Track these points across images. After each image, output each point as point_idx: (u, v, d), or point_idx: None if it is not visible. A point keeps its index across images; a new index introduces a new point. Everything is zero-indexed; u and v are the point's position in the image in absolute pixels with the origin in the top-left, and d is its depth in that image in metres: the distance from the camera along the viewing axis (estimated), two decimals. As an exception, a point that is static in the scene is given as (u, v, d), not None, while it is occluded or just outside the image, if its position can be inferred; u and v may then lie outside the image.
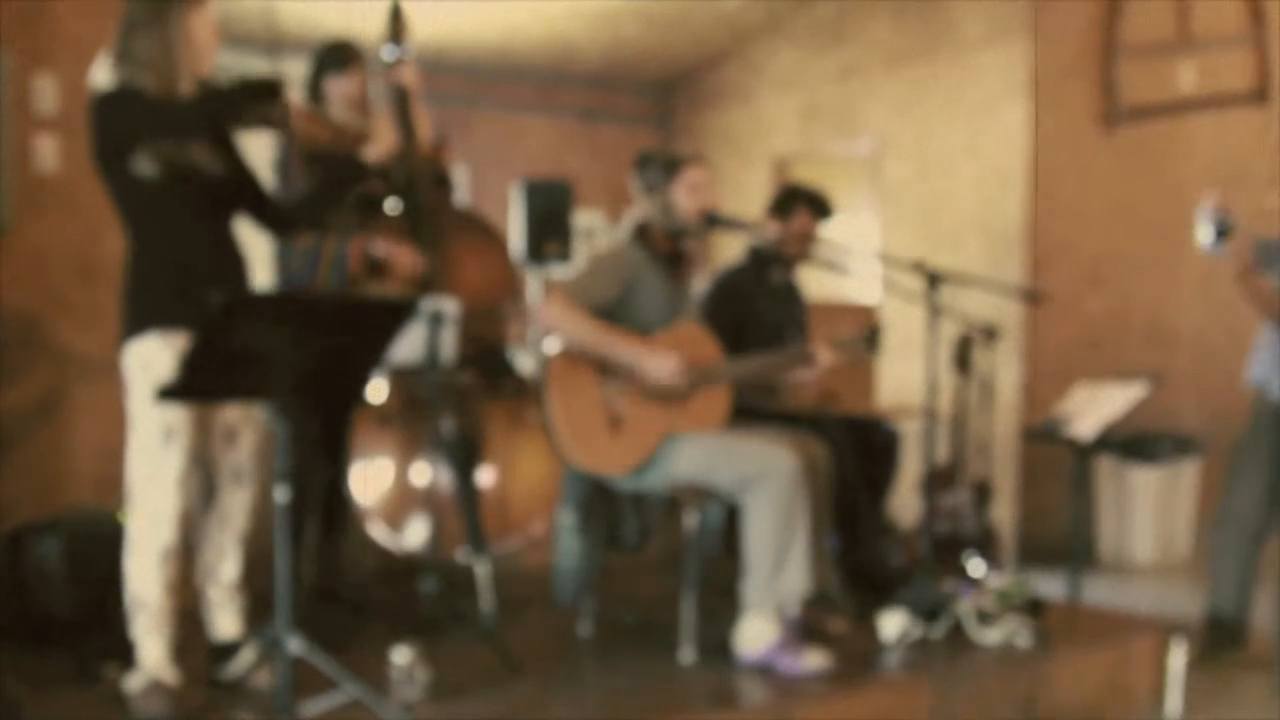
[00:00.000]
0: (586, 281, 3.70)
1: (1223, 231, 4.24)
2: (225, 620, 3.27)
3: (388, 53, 3.92)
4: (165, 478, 3.05)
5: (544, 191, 6.90)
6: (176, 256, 3.07)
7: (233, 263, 3.18)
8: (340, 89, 4.04)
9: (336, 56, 4.07)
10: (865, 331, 3.90)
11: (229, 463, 3.20)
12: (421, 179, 3.91)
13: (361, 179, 3.44)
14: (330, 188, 3.37)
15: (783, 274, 4.61)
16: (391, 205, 3.89)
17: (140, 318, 3.06)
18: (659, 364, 3.62)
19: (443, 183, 4.15)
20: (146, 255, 3.09)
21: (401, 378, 3.91)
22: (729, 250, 4.68)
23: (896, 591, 4.00)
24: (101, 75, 3.05)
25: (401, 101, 3.94)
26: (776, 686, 3.42)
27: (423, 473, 3.81)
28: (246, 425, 3.20)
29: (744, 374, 3.86)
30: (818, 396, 4.53)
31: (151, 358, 3.02)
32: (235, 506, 3.22)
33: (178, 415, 3.03)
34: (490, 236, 4.24)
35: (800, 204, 4.55)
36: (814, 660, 3.51)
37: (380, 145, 3.37)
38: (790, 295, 4.66)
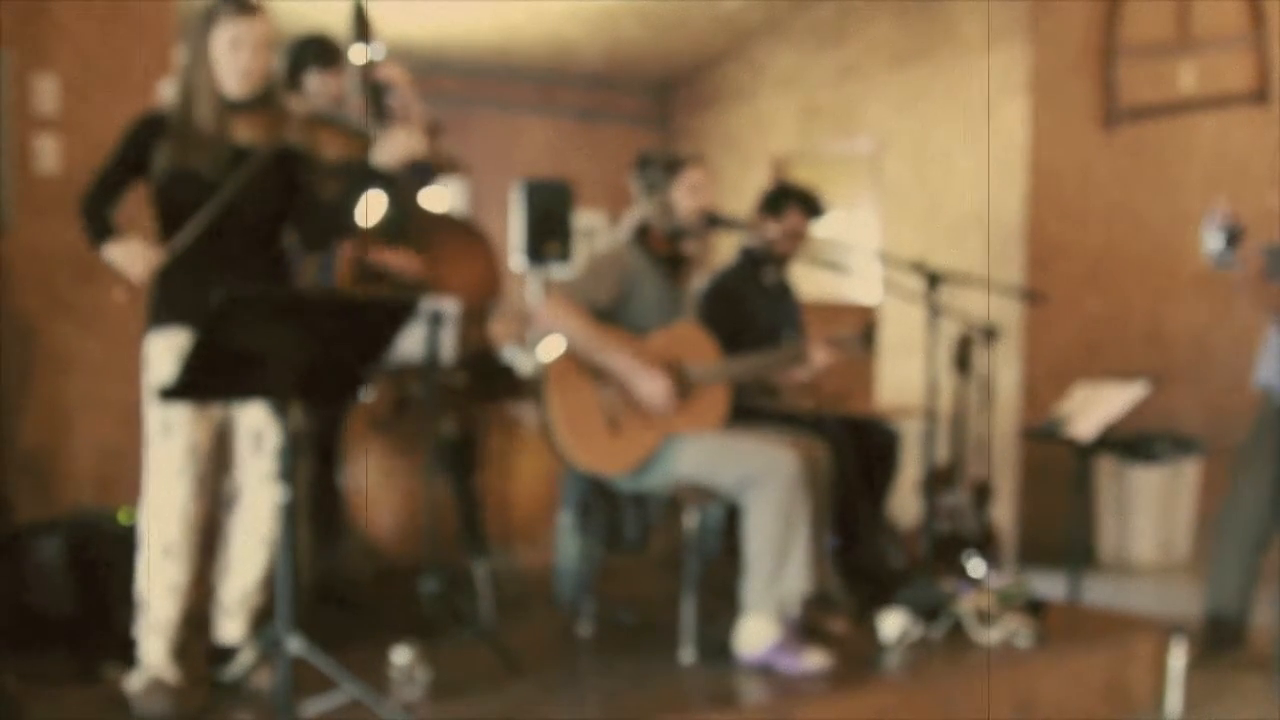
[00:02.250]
0: (584, 282, 3.70)
1: (1232, 239, 4.21)
2: (231, 624, 3.27)
3: (358, 53, 3.91)
4: (164, 471, 3.07)
5: (544, 191, 6.90)
6: (187, 258, 3.08)
7: (250, 267, 3.14)
8: (322, 86, 4.00)
9: (319, 52, 3.99)
10: (861, 329, 3.90)
11: (255, 466, 3.20)
12: (402, 179, 3.90)
13: (376, 186, 3.33)
14: (349, 197, 3.30)
15: (775, 274, 4.60)
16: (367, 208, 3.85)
17: (150, 315, 3.14)
18: (649, 386, 3.62)
19: (435, 171, 4.12)
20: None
21: (393, 378, 3.91)
22: (727, 252, 4.68)
23: (896, 591, 3.99)
24: (165, 91, 3.14)
25: (378, 100, 3.93)
26: (776, 686, 3.42)
27: (420, 473, 3.80)
28: (272, 429, 3.17)
29: (740, 373, 3.86)
30: (816, 395, 4.53)
31: (155, 354, 3.09)
32: (263, 509, 3.21)
33: (176, 410, 3.04)
34: (474, 236, 4.24)
35: (791, 203, 4.54)
36: (814, 659, 3.51)
37: (393, 149, 3.23)
38: (784, 295, 4.64)
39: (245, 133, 3.12)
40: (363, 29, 3.93)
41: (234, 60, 3.07)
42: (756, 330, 4.35)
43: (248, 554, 3.24)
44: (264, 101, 3.17)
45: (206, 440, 3.12)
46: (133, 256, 3.02)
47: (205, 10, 3.08)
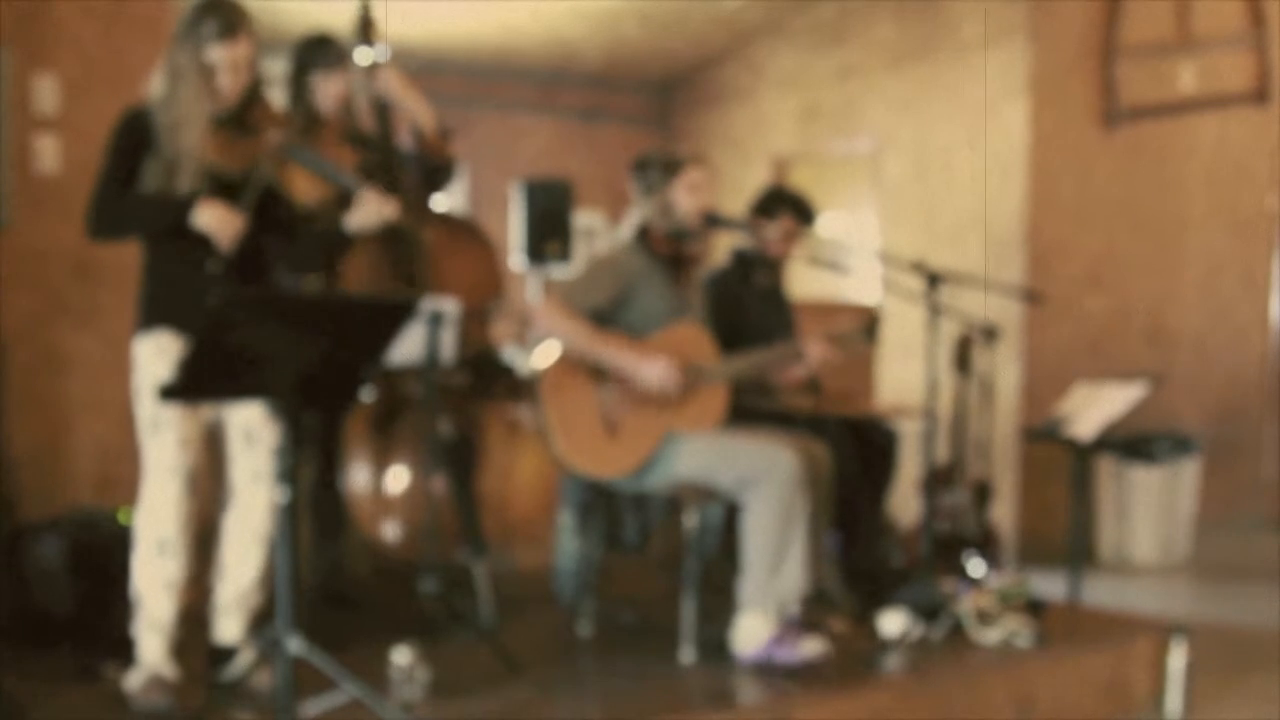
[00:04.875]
0: (583, 285, 3.70)
1: None
2: (228, 624, 3.27)
3: (361, 56, 3.91)
4: (157, 467, 3.09)
5: (544, 191, 6.90)
6: (171, 262, 3.13)
7: (234, 272, 3.16)
8: (327, 88, 3.99)
9: (325, 54, 3.98)
10: (864, 324, 3.90)
11: (249, 463, 3.21)
12: (405, 188, 3.90)
13: (344, 249, 3.47)
14: (313, 251, 3.40)
15: (768, 277, 4.58)
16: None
17: (138, 318, 3.17)
18: (652, 370, 3.61)
19: (444, 172, 4.12)
20: (146, 257, 3.19)
21: (393, 378, 3.91)
22: (725, 253, 4.68)
23: (896, 591, 3.99)
24: (151, 86, 3.15)
25: (381, 106, 3.94)
26: (776, 686, 3.42)
27: (419, 473, 3.80)
28: (265, 427, 3.19)
29: (736, 372, 3.85)
30: (818, 396, 4.52)
31: (144, 356, 3.12)
32: (256, 506, 3.22)
33: (165, 407, 3.06)
34: (474, 236, 4.23)
35: (784, 207, 4.53)
36: (811, 647, 3.50)
37: (364, 215, 3.35)
38: (777, 298, 4.62)
39: (219, 156, 3.14)
40: (367, 31, 3.93)
41: (216, 79, 3.10)
42: (750, 332, 4.33)
43: (243, 553, 3.24)
44: (239, 119, 3.18)
45: (197, 436, 3.13)
46: (224, 222, 3.07)
47: (189, 27, 3.08)
